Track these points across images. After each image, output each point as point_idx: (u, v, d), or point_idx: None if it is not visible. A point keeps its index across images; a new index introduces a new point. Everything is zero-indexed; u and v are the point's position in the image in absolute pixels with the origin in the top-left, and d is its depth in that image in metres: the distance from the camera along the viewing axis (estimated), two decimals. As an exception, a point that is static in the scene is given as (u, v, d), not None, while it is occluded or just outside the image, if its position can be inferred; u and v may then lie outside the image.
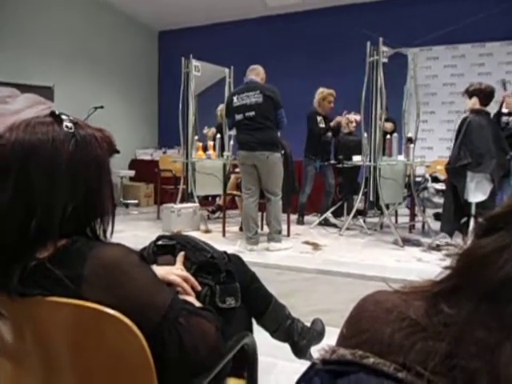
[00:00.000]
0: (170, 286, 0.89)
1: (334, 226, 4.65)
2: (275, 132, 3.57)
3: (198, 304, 0.89)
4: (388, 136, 4.19)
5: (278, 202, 3.56)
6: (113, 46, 6.82)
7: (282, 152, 3.68)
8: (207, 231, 4.34)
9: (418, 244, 3.76)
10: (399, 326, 0.41)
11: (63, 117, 0.76)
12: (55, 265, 0.69)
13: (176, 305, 0.75)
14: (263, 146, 3.43)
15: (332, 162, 4.77)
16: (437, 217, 3.99)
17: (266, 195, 3.57)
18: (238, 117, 3.53)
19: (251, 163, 3.51)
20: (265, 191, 3.58)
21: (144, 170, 6.55)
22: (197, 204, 4.51)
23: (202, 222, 4.51)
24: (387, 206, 4.09)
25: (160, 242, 1.10)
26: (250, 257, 3.14)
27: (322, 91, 4.71)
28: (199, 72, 4.81)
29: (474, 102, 3.31)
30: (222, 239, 4.00)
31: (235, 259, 1.22)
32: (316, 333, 1.44)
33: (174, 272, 0.95)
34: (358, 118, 4.60)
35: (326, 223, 4.73)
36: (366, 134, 4.12)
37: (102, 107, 5.31)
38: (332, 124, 4.83)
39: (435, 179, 4.08)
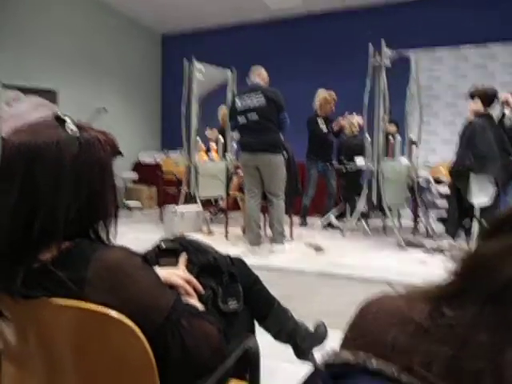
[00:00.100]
0: (172, 288, 0.89)
1: (337, 228, 4.64)
2: (278, 134, 3.57)
3: (200, 306, 0.89)
4: (391, 138, 4.18)
5: (280, 204, 3.56)
6: (116, 49, 6.85)
7: (285, 154, 3.68)
8: (210, 233, 4.34)
9: (420, 246, 3.75)
10: (403, 329, 0.41)
11: (67, 120, 0.76)
12: (58, 267, 0.70)
13: (178, 307, 0.75)
14: (266, 148, 3.43)
15: (335, 164, 4.77)
16: (440, 219, 3.97)
17: (269, 197, 3.57)
18: (241, 119, 3.54)
19: (254, 165, 3.52)
20: (267, 193, 3.58)
21: (147, 173, 6.56)
22: (199, 206, 4.51)
23: (204, 224, 4.51)
24: (390, 208, 4.08)
25: (162, 245, 1.10)
26: (253, 259, 3.13)
27: (323, 93, 4.71)
28: (202, 75, 4.82)
29: (477, 105, 3.30)
30: (225, 241, 4.00)
31: (238, 262, 1.22)
32: (318, 335, 1.43)
33: (176, 274, 0.95)
34: (360, 120, 4.60)
35: (328, 225, 4.72)
36: (368, 137, 4.12)
37: (105, 110, 5.33)
38: (335, 128, 4.84)
39: (438, 181, 4.07)
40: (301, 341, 1.36)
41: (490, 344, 0.36)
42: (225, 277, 1.10)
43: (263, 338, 1.23)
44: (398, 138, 4.16)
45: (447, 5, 5.69)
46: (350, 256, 3.38)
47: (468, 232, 3.32)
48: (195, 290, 0.95)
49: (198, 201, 4.60)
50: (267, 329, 1.30)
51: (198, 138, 4.84)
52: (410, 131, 4.52)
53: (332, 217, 4.75)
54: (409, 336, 0.40)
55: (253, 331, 1.19)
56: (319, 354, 0.45)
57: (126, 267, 0.72)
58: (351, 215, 4.40)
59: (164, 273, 0.92)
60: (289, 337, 1.35)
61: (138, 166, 6.98)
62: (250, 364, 0.99)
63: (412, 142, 4.23)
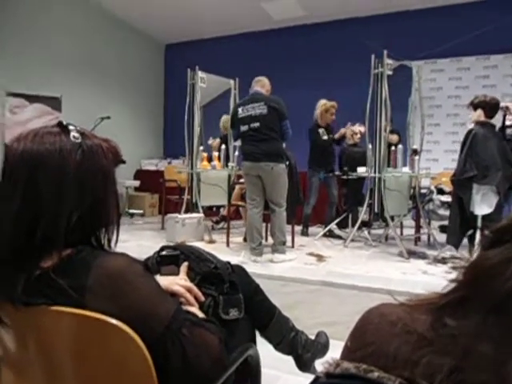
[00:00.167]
0: (173, 296, 0.88)
1: (339, 237, 4.63)
2: (280, 143, 3.58)
3: (201, 315, 0.88)
4: (393, 148, 4.19)
5: (282, 213, 3.55)
6: (120, 57, 6.92)
7: (287, 163, 3.69)
8: (211, 241, 4.33)
9: (423, 256, 3.73)
10: (405, 340, 0.41)
11: (70, 127, 0.77)
12: (59, 274, 0.69)
13: (179, 315, 0.75)
14: (268, 156, 3.44)
15: (336, 173, 4.78)
16: (442, 229, 3.95)
17: (271, 206, 3.57)
18: (243, 128, 3.55)
19: (256, 174, 3.52)
20: (269, 202, 3.58)
21: (149, 180, 6.58)
22: (201, 214, 4.51)
23: (206, 233, 4.51)
24: (392, 218, 4.07)
25: (164, 252, 1.10)
26: (254, 268, 3.12)
27: (324, 103, 4.74)
28: (205, 84, 4.86)
29: (479, 115, 3.31)
30: (226, 250, 3.99)
31: (239, 270, 1.22)
32: (320, 346, 1.42)
33: (177, 282, 0.94)
34: (362, 129, 4.61)
35: (330, 235, 4.71)
36: (370, 146, 4.12)
37: (108, 118, 5.36)
38: (336, 136, 4.86)
39: (440, 191, 4.06)
40: (302, 351, 1.35)
41: (494, 355, 0.36)
42: (226, 286, 1.10)
43: (264, 348, 1.22)
44: (400, 147, 4.17)
45: (449, 15, 5.74)
46: (351, 265, 3.36)
47: (472, 240, 3.30)
48: (196, 298, 0.95)
49: (200, 209, 4.60)
50: (268, 338, 1.29)
51: (200, 146, 4.87)
52: (412, 141, 4.52)
53: (334, 226, 4.73)
54: (411, 347, 0.40)
55: (254, 341, 1.18)
56: (321, 364, 0.44)
57: (126, 275, 0.72)
58: (353, 225, 4.39)
59: (165, 281, 0.92)
60: (290, 347, 1.34)
61: (141, 174, 7.01)
62: (250, 374, 0.99)
63: (414, 151, 4.24)
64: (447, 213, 3.64)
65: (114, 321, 0.66)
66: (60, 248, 0.72)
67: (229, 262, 1.20)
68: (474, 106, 3.34)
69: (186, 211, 4.66)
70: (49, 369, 0.74)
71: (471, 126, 3.36)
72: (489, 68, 5.77)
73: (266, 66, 5.49)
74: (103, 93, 6.61)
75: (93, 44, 6.40)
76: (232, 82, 5.16)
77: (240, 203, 4.42)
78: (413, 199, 4.30)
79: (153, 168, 7.15)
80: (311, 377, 0.46)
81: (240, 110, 3.59)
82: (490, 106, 3.29)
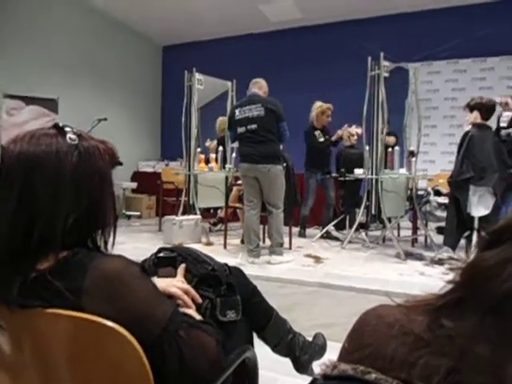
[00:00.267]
0: (170, 298, 0.88)
1: (336, 239, 4.63)
2: (277, 145, 3.58)
3: (198, 317, 0.88)
4: (390, 149, 4.20)
5: (279, 214, 3.55)
6: (117, 59, 6.91)
7: (284, 165, 3.69)
8: (209, 243, 4.32)
9: (420, 258, 3.73)
10: (403, 341, 0.41)
11: (67, 129, 0.77)
12: (55, 277, 0.69)
13: (176, 317, 0.75)
14: (265, 158, 3.44)
15: (333, 174, 4.79)
16: (439, 230, 3.96)
17: (268, 208, 3.57)
18: (240, 130, 3.56)
19: (253, 176, 3.52)
20: (266, 204, 3.58)
21: (146, 182, 6.57)
22: (198, 216, 4.51)
23: (203, 235, 4.50)
24: (389, 220, 4.08)
25: (161, 254, 1.09)
26: (252, 270, 3.12)
27: (320, 105, 4.75)
28: (202, 85, 4.86)
29: (476, 116, 3.32)
30: (224, 252, 3.99)
31: (236, 272, 1.22)
32: (318, 347, 1.42)
33: (174, 284, 0.94)
34: (359, 131, 4.63)
35: (328, 236, 4.71)
36: (367, 148, 4.13)
37: (105, 119, 5.36)
38: (333, 138, 4.87)
39: (437, 193, 4.07)
40: (300, 353, 1.35)
41: (491, 357, 0.36)
42: (223, 287, 1.10)
43: (261, 350, 1.21)
44: (397, 149, 4.18)
45: (445, 17, 5.77)
46: (349, 267, 3.36)
47: (469, 241, 3.31)
48: (193, 300, 0.95)
49: (198, 211, 4.59)
50: (265, 340, 1.29)
51: (198, 148, 4.86)
52: (409, 142, 4.54)
53: (331, 228, 4.74)
54: (408, 348, 0.40)
55: (251, 342, 1.18)
56: (318, 365, 0.44)
57: (123, 276, 0.71)
58: (350, 226, 4.39)
59: (162, 283, 0.92)
60: (287, 349, 1.33)
61: (138, 176, 6.99)
62: (248, 376, 0.98)
63: (410, 153, 4.25)
64: (444, 214, 3.66)
65: (110, 323, 0.66)
66: (56, 250, 0.71)
67: (226, 264, 1.20)
68: (471, 107, 3.36)
69: (184, 213, 4.65)
70: (44, 372, 0.73)
71: (468, 127, 3.37)
72: (485, 70, 5.80)
73: (263, 67, 5.51)
74: (100, 94, 6.60)
75: (91, 46, 6.39)
76: (229, 83, 5.16)
77: (237, 205, 4.42)
78: (410, 201, 4.31)
79: (150, 170, 7.14)
80: (309, 379, 0.46)
81: (237, 111, 3.59)
82: (486, 108, 3.31)
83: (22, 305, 0.68)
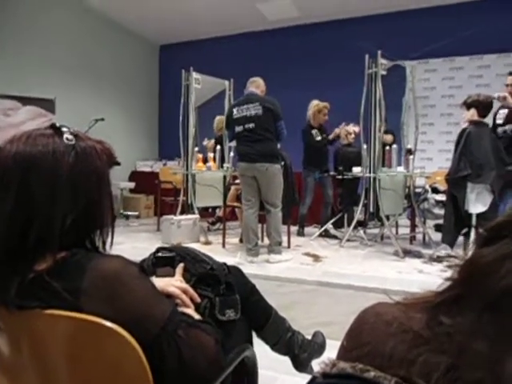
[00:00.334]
0: (169, 297, 0.88)
1: (335, 237, 4.64)
2: (275, 144, 3.58)
3: (197, 316, 0.88)
4: (387, 147, 4.20)
5: (277, 213, 3.55)
6: (115, 59, 6.90)
7: (282, 163, 3.69)
8: (207, 243, 4.32)
9: (418, 255, 3.74)
10: (401, 339, 0.41)
11: (64, 129, 0.76)
12: (54, 277, 0.69)
13: (175, 317, 0.75)
14: (263, 157, 3.44)
15: (331, 173, 4.79)
16: (437, 228, 3.97)
17: (266, 207, 3.57)
18: (238, 129, 3.55)
19: (251, 175, 3.52)
20: (265, 203, 3.58)
21: (144, 182, 6.56)
22: (197, 216, 4.50)
23: (201, 234, 4.50)
24: (387, 217, 4.09)
25: (159, 254, 1.09)
26: (250, 268, 3.12)
27: (317, 104, 4.75)
28: (199, 84, 4.86)
29: (473, 114, 3.33)
30: (222, 251, 3.99)
31: (235, 271, 1.22)
32: (317, 346, 1.42)
33: (173, 284, 0.94)
34: (356, 129, 4.63)
35: (326, 235, 4.72)
36: (365, 146, 4.14)
37: (102, 119, 5.34)
38: (331, 137, 4.88)
39: (435, 190, 4.08)
40: (299, 352, 1.35)
41: (489, 353, 0.36)
42: (222, 287, 1.10)
43: (261, 349, 1.22)
44: (395, 147, 4.18)
45: (442, 15, 5.78)
46: (347, 265, 3.37)
47: (467, 238, 3.32)
48: (192, 300, 0.95)
49: (196, 210, 4.59)
50: (265, 339, 1.29)
51: (195, 147, 4.86)
52: (407, 140, 4.54)
53: (330, 226, 4.74)
54: (407, 346, 0.40)
55: (250, 341, 1.18)
56: (317, 364, 0.44)
57: (122, 276, 0.71)
58: (349, 224, 4.40)
59: (161, 282, 0.92)
60: (287, 348, 1.34)
61: (136, 175, 6.98)
62: (247, 375, 0.98)
63: (408, 151, 4.26)
64: (442, 212, 3.67)
65: (109, 323, 0.66)
66: (54, 250, 0.71)
67: (225, 263, 1.19)
68: (468, 105, 3.37)
69: (182, 212, 4.65)
70: (43, 373, 0.73)
71: (465, 125, 3.38)
72: (482, 68, 5.81)
73: (260, 66, 5.50)
74: (97, 94, 6.58)
75: (88, 46, 6.37)
76: (227, 82, 5.15)
77: (236, 204, 4.42)
78: (408, 198, 4.32)
79: (148, 169, 7.13)
80: (308, 377, 0.46)
81: (235, 110, 3.59)
82: (483, 105, 3.31)
83: (20, 306, 0.68)
